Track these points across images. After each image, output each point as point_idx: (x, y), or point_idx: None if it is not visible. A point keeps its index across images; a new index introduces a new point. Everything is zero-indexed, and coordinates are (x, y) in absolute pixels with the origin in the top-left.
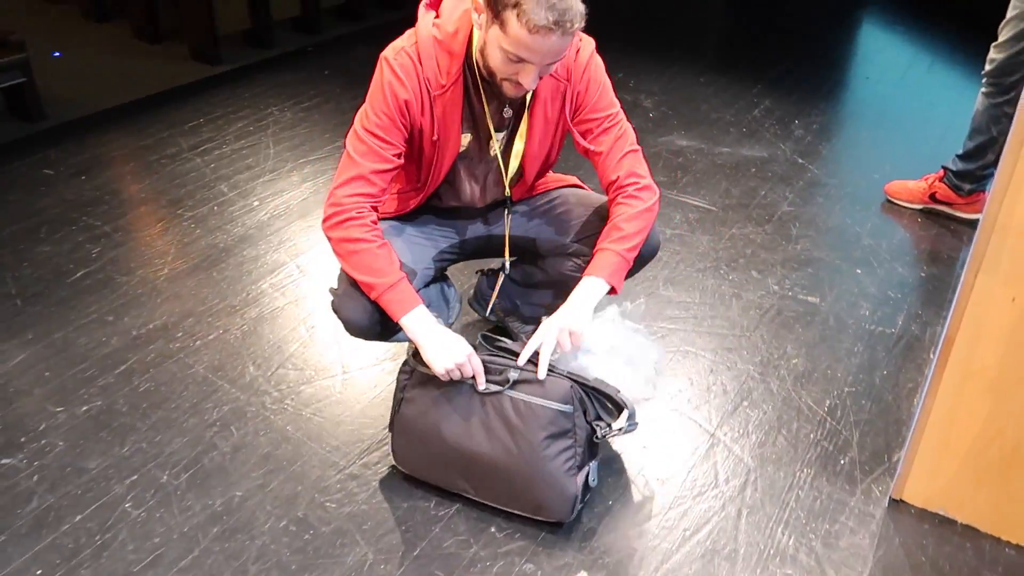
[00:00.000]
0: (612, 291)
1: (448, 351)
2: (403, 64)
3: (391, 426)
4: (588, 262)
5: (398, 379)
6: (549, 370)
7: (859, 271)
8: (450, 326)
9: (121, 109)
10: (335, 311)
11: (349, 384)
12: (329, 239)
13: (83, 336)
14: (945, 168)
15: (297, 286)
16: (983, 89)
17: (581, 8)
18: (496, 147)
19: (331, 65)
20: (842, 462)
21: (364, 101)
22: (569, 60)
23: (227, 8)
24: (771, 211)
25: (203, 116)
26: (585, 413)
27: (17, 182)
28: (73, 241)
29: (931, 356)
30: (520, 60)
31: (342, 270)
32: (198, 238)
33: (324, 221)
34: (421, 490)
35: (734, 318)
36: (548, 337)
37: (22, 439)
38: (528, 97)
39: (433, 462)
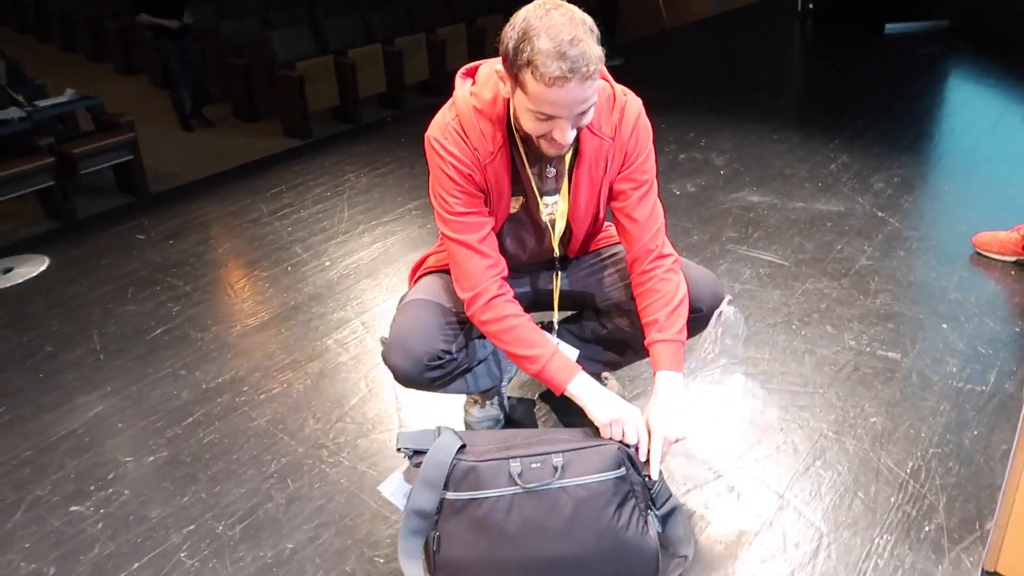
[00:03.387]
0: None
1: (614, 406)
2: (451, 139)
3: (431, 571)
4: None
5: (412, 522)
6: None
7: (945, 326)
8: (509, 383)
9: (212, 179)
10: (384, 360)
11: None
12: (482, 324)
13: (157, 389)
14: None
15: (361, 342)
16: None
17: (597, 51)
18: (543, 210)
19: (407, 133)
20: (927, 529)
21: (429, 196)
22: (615, 120)
23: (316, 88)
24: (848, 265)
25: (285, 184)
26: (634, 465)
27: (112, 246)
28: (156, 300)
29: None
30: (549, 117)
31: (396, 318)
32: (271, 297)
33: (468, 309)
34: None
35: (807, 375)
36: (655, 446)
37: (91, 487)
38: (570, 157)
39: None
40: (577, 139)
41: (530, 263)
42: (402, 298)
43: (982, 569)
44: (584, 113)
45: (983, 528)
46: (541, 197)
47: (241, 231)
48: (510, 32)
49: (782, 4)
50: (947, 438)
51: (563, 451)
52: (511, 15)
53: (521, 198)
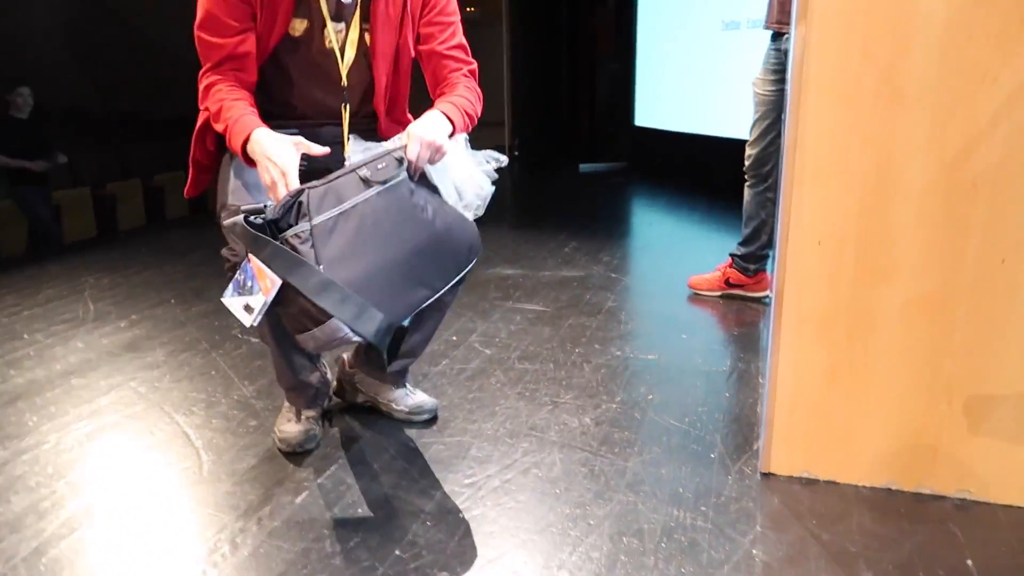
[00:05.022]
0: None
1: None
2: None
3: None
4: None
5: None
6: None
7: (684, 336)
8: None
9: None
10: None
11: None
12: (203, 112)
13: None
14: (732, 255)
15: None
16: (747, 183)
17: None
18: (330, 35)
19: (150, 244)
20: (712, 456)
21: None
22: None
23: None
24: (599, 307)
25: (5, 287)
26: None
27: None
28: None
29: (761, 380)
30: None
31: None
32: (12, 377)
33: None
34: (312, 533)
35: (588, 375)
36: (412, 144)
37: None
38: None
39: (384, 293)
40: None
41: (320, 112)
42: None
43: (760, 472)
44: None
45: (752, 449)
46: (329, 21)
47: None
48: None
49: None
50: (708, 400)
51: (382, 152)
52: None
53: (306, 21)
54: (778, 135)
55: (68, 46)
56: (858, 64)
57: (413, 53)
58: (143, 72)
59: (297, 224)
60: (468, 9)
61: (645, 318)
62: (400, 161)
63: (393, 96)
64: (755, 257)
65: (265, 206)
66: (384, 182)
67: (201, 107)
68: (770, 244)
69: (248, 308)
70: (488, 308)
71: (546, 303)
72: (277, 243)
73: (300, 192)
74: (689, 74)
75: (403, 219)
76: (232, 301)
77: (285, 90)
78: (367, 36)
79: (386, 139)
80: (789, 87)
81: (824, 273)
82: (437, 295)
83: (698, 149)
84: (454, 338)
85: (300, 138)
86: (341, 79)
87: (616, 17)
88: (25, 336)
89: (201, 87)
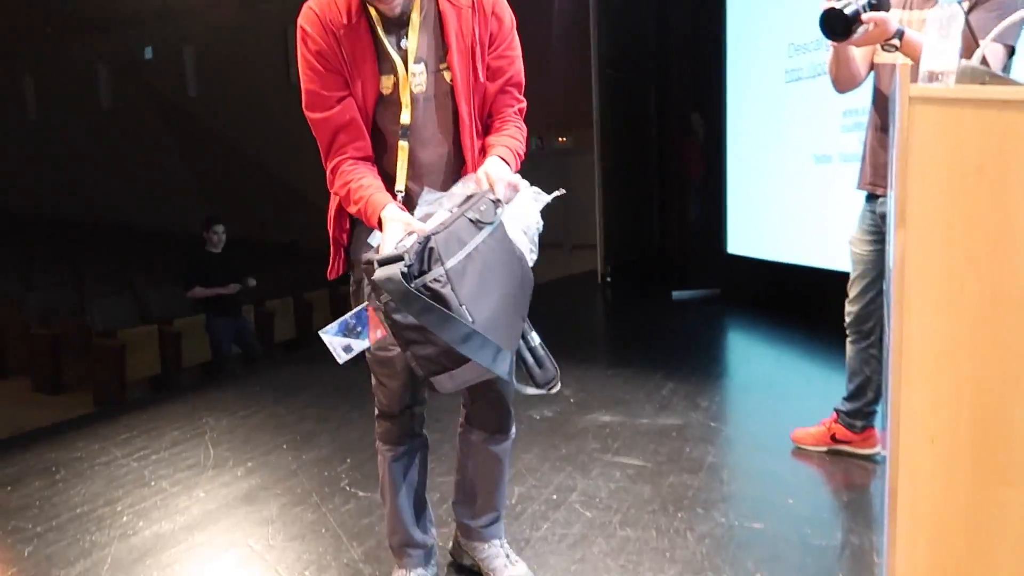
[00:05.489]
0: None
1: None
2: (307, 17)
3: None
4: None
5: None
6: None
7: (790, 500)
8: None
9: (51, 429)
10: None
11: None
12: (334, 195)
13: None
14: (837, 411)
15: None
16: (849, 338)
17: None
18: (412, 80)
19: (261, 382)
20: None
21: None
22: None
23: (135, 356)
24: (699, 463)
25: (135, 429)
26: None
27: None
28: (2, 543)
29: (877, 559)
30: None
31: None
32: (141, 529)
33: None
34: None
35: (692, 546)
36: (499, 186)
37: None
38: (434, 27)
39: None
40: (437, 9)
41: (436, 160)
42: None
43: None
44: None
45: None
46: (407, 65)
47: (94, 473)
48: None
49: (584, 279)
50: None
51: (478, 195)
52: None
53: (392, 76)
54: (878, 294)
55: (249, 185)
56: (962, 269)
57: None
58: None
59: (432, 270)
60: (560, 139)
61: (748, 477)
62: (496, 203)
63: (479, 132)
64: (862, 414)
65: (401, 256)
66: (491, 223)
67: (331, 191)
68: (876, 400)
69: (348, 348)
70: (587, 462)
71: (645, 456)
72: (427, 299)
73: (428, 239)
74: (781, 204)
75: (508, 257)
76: (333, 339)
77: (391, 154)
78: (446, 75)
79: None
80: (888, 249)
81: (939, 473)
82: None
83: (792, 278)
84: (554, 497)
85: (409, 219)
86: (429, 125)
87: (705, 145)
88: (152, 483)
89: (327, 172)
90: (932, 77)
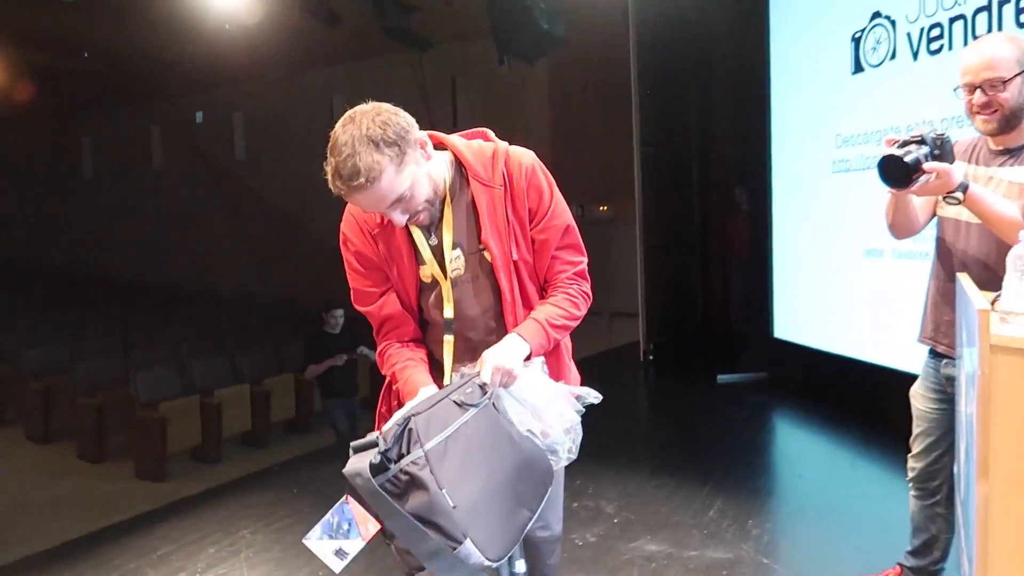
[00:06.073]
0: (528, 355)
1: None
2: (346, 220)
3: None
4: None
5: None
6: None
7: None
8: None
9: (87, 540)
10: None
11: None
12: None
13: None
14: (901, 565)
15: None
16: (913, 493)
17: (368, 160)
18: (449, 266)
19: (299, 482)
20: None
21: None
22: (502, 170)
23: (175, 427)
24: None
25: (172, 543)
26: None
27: None
28: None
29: None
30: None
31: None
32: None
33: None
34: None
35: None
36: (485, 369)
37: None
38: (466, 215)
39: (496, 516)
40: (469, 193)
41: (483, 339)
42: None
43: None
44: (400, 201)
45: None
46: (445, 253)
47: None
48: None
49: (625, 353)
50: None
51: (468, 377)
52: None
53: (429, 268)
54: (944, 452)
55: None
56: None
57: (529, 257)
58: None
59: (410, 452)
60: (600, 208)
61: None
62: (482, 387)
63: (525, 308)
64: (927, 572)
65: (377, 438)
66: (475, 405)
67: (382, 372)
68: (943, 559)
69: (340, 553)
70: None
71: None
72: (397, 507)
73: (407, 421)
74: (830, 292)
75: (499, 440)
76: (319, 544)
77: (438, 343)
78: (485, 255)
79: None
80: (958, 415)
81: None
82: (534, 516)
83: (842, 369)
84: None
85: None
86: (471, 306)
87: (751, 223)
88: None
89: (376, 353)
90: (1006, 318)
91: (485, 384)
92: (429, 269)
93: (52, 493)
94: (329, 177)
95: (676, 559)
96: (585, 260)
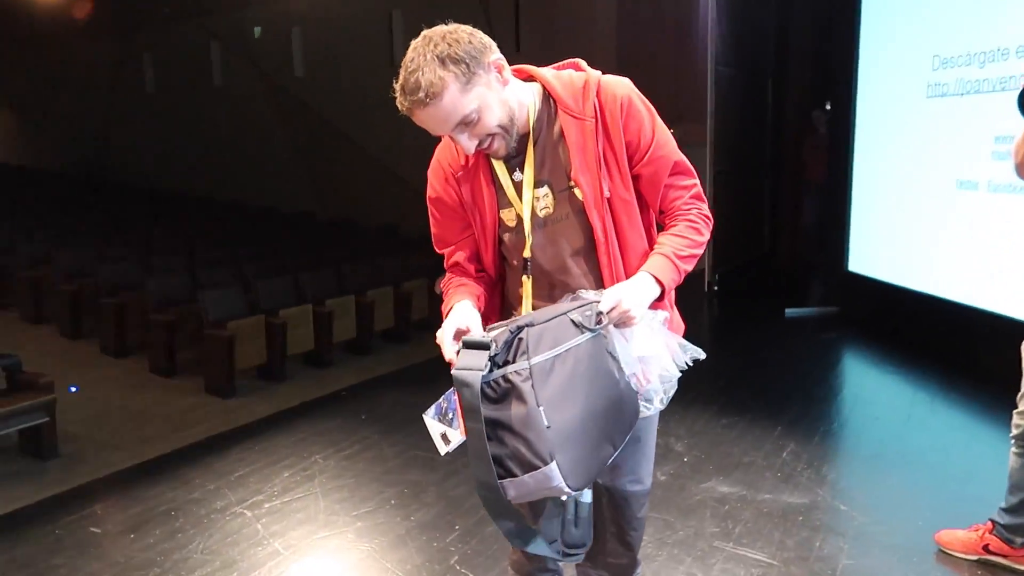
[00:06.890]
0: (662, 293)
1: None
2: (432, 167)
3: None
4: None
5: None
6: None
7: None
8: None
9: (167, 459)
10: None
11: None
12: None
13: None
14: (993, 521)
15: None
16: (1014, 449)
17: (430, 76)
18: (537, 204)
19: (365, 409)
20: None
21: None
22: (594, 101)
23: (242, 345)
24: (832, 565)
25: (247, 465)
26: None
27: (64, 542)
28: None
29: None
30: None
31: None
32: None
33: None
34: None
35: None
36: (607, 300)
37: None
38: (531, 150)
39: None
40: (559, 126)
41: (566, 281)
42: None
43: None
44: (467, 124)
45: None
46: (532, 188)
47: (210, 523)
48: None
49: (690, 283)
50: None
51: (588, 302)
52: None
53: (512, 208)
54: None
55: (351, 168)
56: None
57: (625, 195)
58: None
59: (516, 361)
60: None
61: None
62: (599, 315)
63: (621, 249)
64: (1023, 530)
65: (489, 341)
66: (592, 330)
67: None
68: None
69: (445, 438)
70: (706, 551)
71: (770, 551)
72: (483, 427)
73: (520, 329)
74: (915, 226)
75: (602, 371)
76: (433, 424)
77: (515, 284)
78: (577, 193)
79: None
80: None
81: None
82: (615, 453)
83: (922, 309)
84: None
85: (464, 321)
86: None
87: (829, 148)
88: (267, 542)
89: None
90: None
91: (601, 314)
92: (511, 212)
93: (130, 405)
94: (397, 95)
95: (750, 502)
96: (697, 182)
